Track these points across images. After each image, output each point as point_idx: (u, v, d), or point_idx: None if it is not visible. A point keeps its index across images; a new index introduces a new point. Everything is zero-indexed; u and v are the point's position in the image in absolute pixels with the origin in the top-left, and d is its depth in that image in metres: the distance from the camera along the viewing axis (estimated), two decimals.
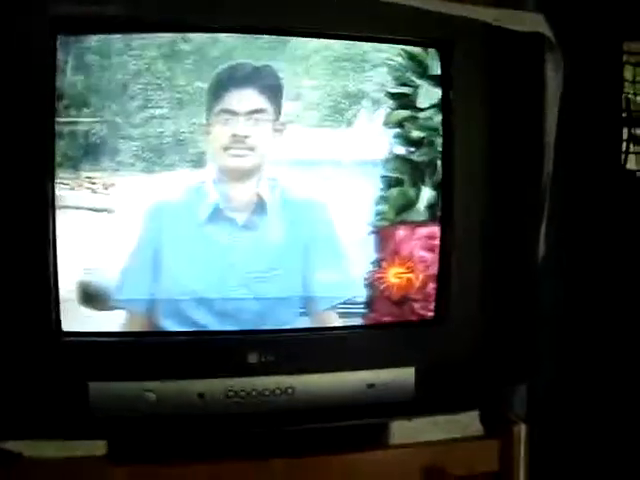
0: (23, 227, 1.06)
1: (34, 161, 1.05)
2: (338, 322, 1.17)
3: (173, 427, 1.13)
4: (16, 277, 1.07)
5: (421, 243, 1.17)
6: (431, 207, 1.18)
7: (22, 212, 1.06)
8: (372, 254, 1.17)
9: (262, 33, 1.11)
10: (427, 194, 1.17)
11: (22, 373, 1.09)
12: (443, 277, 1.18)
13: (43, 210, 1.06)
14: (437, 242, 1.18)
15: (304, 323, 1.16)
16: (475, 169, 1.18)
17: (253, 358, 1.13)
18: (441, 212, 1.17)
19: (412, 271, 1.17)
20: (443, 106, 1.16)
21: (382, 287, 1.17)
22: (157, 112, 1.08)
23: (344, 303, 1.17)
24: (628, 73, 1.73)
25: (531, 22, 1.19)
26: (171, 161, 1.10)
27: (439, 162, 1.17)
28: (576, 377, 1.39)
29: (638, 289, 1.46)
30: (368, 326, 1.18)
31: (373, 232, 1.16)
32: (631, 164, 1.70)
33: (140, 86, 1.08)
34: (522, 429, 1.20)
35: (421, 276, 1.18)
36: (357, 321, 1.17)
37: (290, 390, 1.14)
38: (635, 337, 1.43)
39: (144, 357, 1.12)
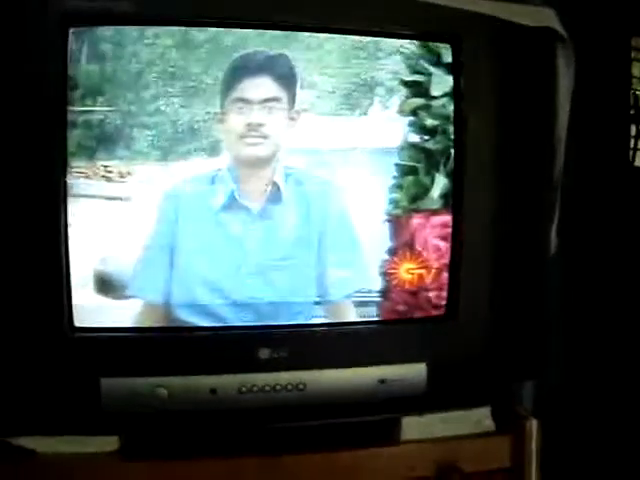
0: (36, 218, 1.06)
1: (48, 150, 1.05)
2: (353, 312, 1.17)
3: (185, 423, 1.13)
4: (28, 270, 1.07)
5: (435, 232, 1.17)
6: (445, 196, 1.17)
7: (35, 202, 1.06)
8: (387, 242, 1.17)
9: (273, 29, 1.11)
10: (441, 182, 1.17)
11: (34, 369, 1.09)
12: (454, 273, 1.18)
13: (56, 200, 1.06)
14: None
15: (318, 312, 1.16)
16: (486, 161, 1.17)
17: (265, 354, 1.13)
18: (452, 203, 1.17)
19: (425, 267, 1.17)
20: (455, 98, 1.16)
21: (395, 282, 1.16)
22: (172, 101, 1.08)
23: (359, 292, 1.17)
24: (636, 70, 1.74)
25: (542, 17, 1.19)
26: (186, 150, 1.10)
27: (452, 151, 1.17)
28: (584, 373, 1.39)
29: None
30: (379, 322, 1.17)
31: (387, 220, 1.16)
32: (639, 161, 1.70)
33: (154, 75, 1.08)
34: (533, 424, 1.20)
35: (435, 265, 1.17)
36: (372, 311, 1.17)
37: (302, 386, 1.14)
38: None
39: (156, 353, 1.12)
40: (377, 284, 1.17)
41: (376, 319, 1.18)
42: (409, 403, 1.19)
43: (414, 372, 1.17)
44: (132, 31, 1.07)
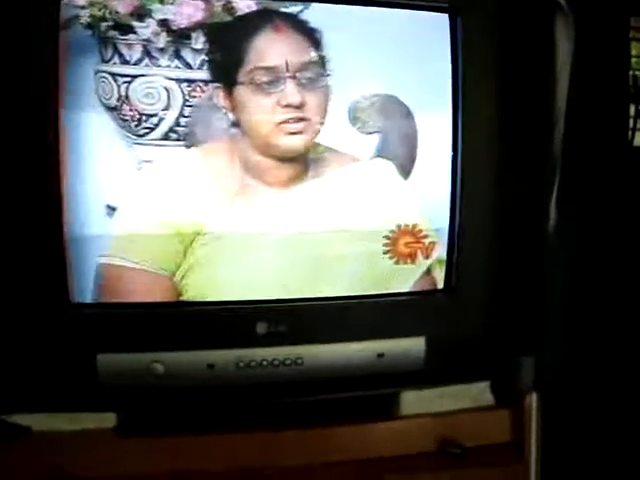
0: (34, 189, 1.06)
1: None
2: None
3: (183, 398, 1.13)
4: (23, 246, 1.06)
5: None
6: None
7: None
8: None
9: None
10: None
11: (29, 346, 1.09)
12: (453, 247, 1.17)
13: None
14: None
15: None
16: (485, 135, 1.16)
17: (262, 328, 1.12)
18: (451, 178, 1.16)
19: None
20: (453, 70, 1.15)
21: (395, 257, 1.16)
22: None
23: None
24: (635, 49, 1.72)
25: None
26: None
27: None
28: (584, 348, 1.38)
29: None
30: (378, 295, 1.16)
31: None
32: (638, 141, 1.69)
33: None
34: (533, 399, 1.19)
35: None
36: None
37: (300, 360, 1.13)
38: None
39: (152, 328, 1.11)
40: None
41: (374, 292, 1.16)
42: (408, 378, 1.18)
43: (413, 346, 1.17)
44: None
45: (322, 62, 1.11)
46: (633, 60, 1.66)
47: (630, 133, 1.60)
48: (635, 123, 1.61)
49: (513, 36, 1.18)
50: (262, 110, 1.09)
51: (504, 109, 1.18)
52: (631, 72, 1.61)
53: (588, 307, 1.39)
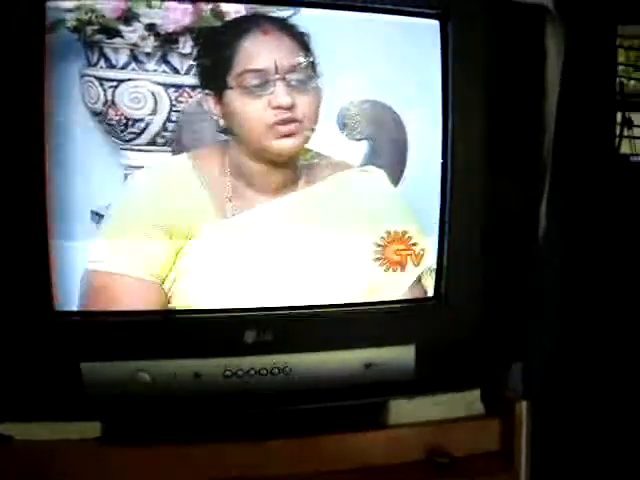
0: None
1: None
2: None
3: (169, 408, 1.11)
4: (8, 254, 1.05)
5: None
6: None
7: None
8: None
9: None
10: None
11: (12, 354, 1.06)
12: (442, 254, 1.16)
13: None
14: None
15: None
16: (475, 141, 1.16)
17: (250, 337, 1.10)
18: (440, 184, 1.15)
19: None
20: (443, 76, 1.14)
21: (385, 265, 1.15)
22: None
23: None
24: (622, 57, 1.73)
25: None
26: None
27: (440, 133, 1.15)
28: (573, 355, 1.37)
29: (632, 269, 1.45)
30: (369, 303, 1.15)
31: None
32: (625, 148, 1.69)
33: None
34: (523, 407, 1.18)
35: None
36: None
37: (287, 369, 1.12)
38: (630, 313, 1.43)
39: (137, 336, 1.09)
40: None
41: (364, 300, 1.15)
42: (398, 386, 1.17)
43: (402, 354, 1.16)
44: None
45: (312, 65, 1.10)
46: (620, 67, 1.67)
47: (617, 140, 1.60)
48: (622, 130, 1.62)
49: (503, 42, 1.18)
50: (253, 113, 1.08)
51: (494, 115, 1.17)
52: (618, 79, 1.61)
53: (577, 313, 1.39)
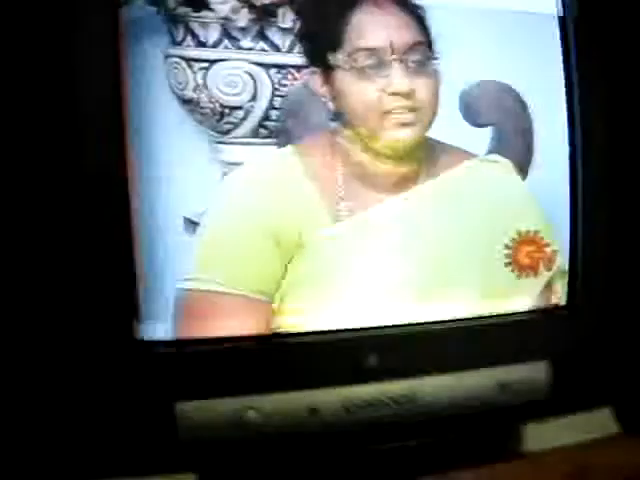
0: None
1: None
2: None
3: (280, 451, 0.93)
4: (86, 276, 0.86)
5: None
6: None
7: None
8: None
9: None
10: None
11: (91, 398, 0.89)
12: (576, 256, 1.02)
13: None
14: None
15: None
16: (602, 130, 1.02)
17: (373, 361, 0.94)
18: (570, 176, 1.02)
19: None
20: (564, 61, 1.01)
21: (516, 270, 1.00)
22: None
23: None
24: None
25: None
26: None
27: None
28: None
29: None
30: (499, 315, 1.00)
31: None
32: None
33: None
34: None
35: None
36: None
37: (415, 396, 0.96)
38: None
39: (243, 366, 0.91)
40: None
41: (495, 311, 1.00)
42: (530, 408, 1.02)
43: (534, 372, 1.01)
44: None
45: (429, 43, 0.95)
46: None
47: None
48: None
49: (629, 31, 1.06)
50: (366, 97, 0.92)
51: (621, 103, 1.04)
52: None
53: None
